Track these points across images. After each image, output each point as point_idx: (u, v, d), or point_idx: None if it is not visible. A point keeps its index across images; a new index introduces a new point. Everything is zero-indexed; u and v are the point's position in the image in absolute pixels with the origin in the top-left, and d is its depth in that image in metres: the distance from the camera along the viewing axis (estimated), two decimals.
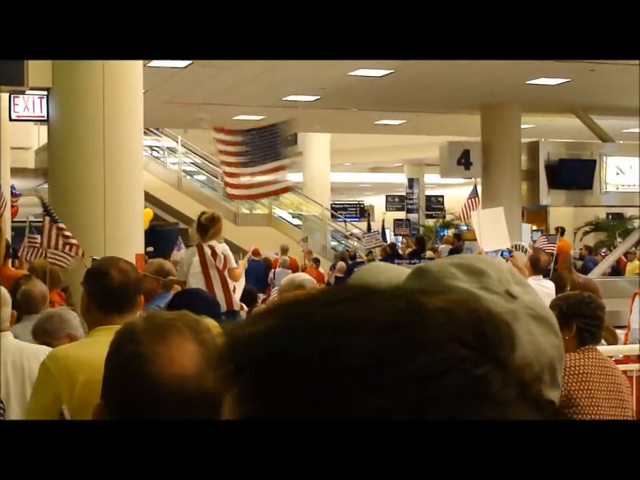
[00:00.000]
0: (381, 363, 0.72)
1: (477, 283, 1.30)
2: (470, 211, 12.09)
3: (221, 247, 7.57)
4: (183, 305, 3.00)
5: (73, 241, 8.52)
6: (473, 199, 12.43)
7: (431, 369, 0.72)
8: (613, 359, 5.80)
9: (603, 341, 8.03)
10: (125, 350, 1.75)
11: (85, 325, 4.37)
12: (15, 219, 18.19)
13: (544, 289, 8.74)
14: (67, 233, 8.57)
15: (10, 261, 10.29)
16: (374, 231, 24.33)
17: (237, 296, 7.93)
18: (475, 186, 13.51)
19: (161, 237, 23.34)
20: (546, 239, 13.01)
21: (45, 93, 11.42)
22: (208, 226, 7.46)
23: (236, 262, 9.07)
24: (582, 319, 4.94)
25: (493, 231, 10.11)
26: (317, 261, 21.09)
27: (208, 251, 7.42)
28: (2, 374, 4.56)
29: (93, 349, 3.13)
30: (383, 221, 30.96)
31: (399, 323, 0.75)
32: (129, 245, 10.46)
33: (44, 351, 4.64)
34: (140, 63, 10.89)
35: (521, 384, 0.76)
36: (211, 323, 2.96)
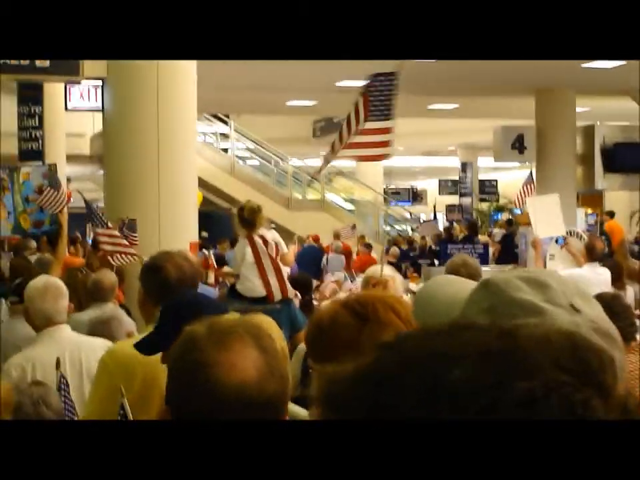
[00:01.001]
0: (477, 390, 0.73)
1: (541, 295, 1.33)
2: (525, 197, 11.99)
3: (271, 235, 7.59)
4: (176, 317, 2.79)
5: (122, 249, 8.46)
6: (528, 185, 12.32)
7: (530, 394, 0.73)
8: None
9: None
10: (187, 357, 1.78)
11: (140, 320, 4.41)
12: (69, 204, 18.42)
13: (599, 277, 8.66)
14: (112, 240, 8.49)
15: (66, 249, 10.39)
16: (431, 220, 24.32)
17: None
18: (531, 172, 13.39)
19: (214, 222, 23.48)
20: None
21: (100, 82, 11.52)
22: (252, 218, 7.48)
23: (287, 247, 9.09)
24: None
25: (548, 217, 10.02)
26: (369, 246, 21.06)
27: (259, 241, 7.44)
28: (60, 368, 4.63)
29: None
30: (435, 206, 30.83)
31: (493, 351, 0.76)
32: (183, 233, 10.52)
33: (101, 345, 4.71)
34: None
35: (625, 411, 0.76)
36: (266, 320, 2.98)
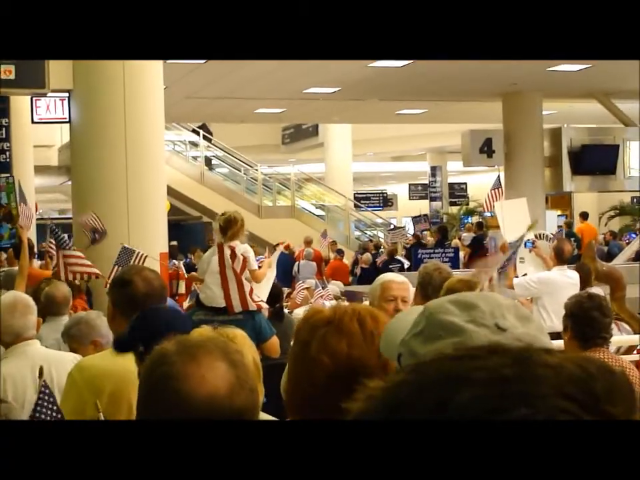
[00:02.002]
0: (480, 413, 0.76)
1: (466, 316, 1.43)
2: (493, 201, 12.07)
3: (242, 248, 7.55)
4: (142, 333, 2.93)
5: (86, 269, 8.43)
6: (496, 190, 12.40)
7: (529, 420, 0.75)
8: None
9: (623, 330, 8.03)
10: (156, 371, 1.79)
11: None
12: (36, 217, 18.38)
13: (569, 280, 8.71)
14: (76, 260, 8.45)
15: (34, 261, 10.35)
16: (401, 227, 24.38)
17: (264, 292, 7.91)
18: (499, 176, 13.47)
19: (185, 231, 23.46)
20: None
21: (67, 94, 11.48)
22: (226, 227, 7.45)
23: (265, 257, 9.06)
24: (573, 319, 4.91)
25: (516, 221, 10.11)
26: (340, 252, 21.09)
27: (227, 252, 7.41)
28: (31, 383, 4.60)
29: (118, 359, 3.17)
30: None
31: (504, 377, 0.78)
32: (153, 243, 10.51)
33: (70, 358, 4.70)
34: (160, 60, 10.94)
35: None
36: (239, 333, 2.99)
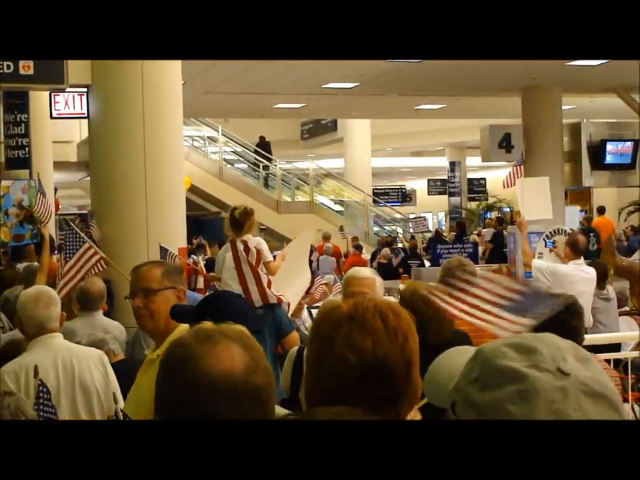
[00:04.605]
0: None
1: (527, 361, 1.36)
2: (515, 178, 11.98)
3: (255, 241, 7.50)
4: (212, 310, 3.07)
5: (94, 259, 8.32)
6: (518, 167, 12.32)
7: None
8: None
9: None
10: (174, 354, 1.85)
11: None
12: (58, 212, 18.45)
13: (584, 275, 8.62)
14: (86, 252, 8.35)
15: (54, 256, 10.38)
16: (421, 216, 24.43)
17: (288, 284, 7.86)
18: (522, 153, 13.38)
19: (204, 226, 23.47)
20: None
21: (85, 90, 11.51)
22: (242, 221, 7.40)
23: (279, 250, 9.02)
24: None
25: (536, 200, 9.98)
26: (359, 248, 21.07)
27: (241, 247, 7.38)
28: (52, 375, 4.63)
29: None
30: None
31: None
32: (172, 237, 10.52)
33: (94, 354, 4.73)
34: None
35: None
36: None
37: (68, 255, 8.15)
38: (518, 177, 12.02)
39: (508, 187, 13.20)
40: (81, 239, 8.32)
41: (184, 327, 3.44)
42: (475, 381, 1.38)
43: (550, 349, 1.37)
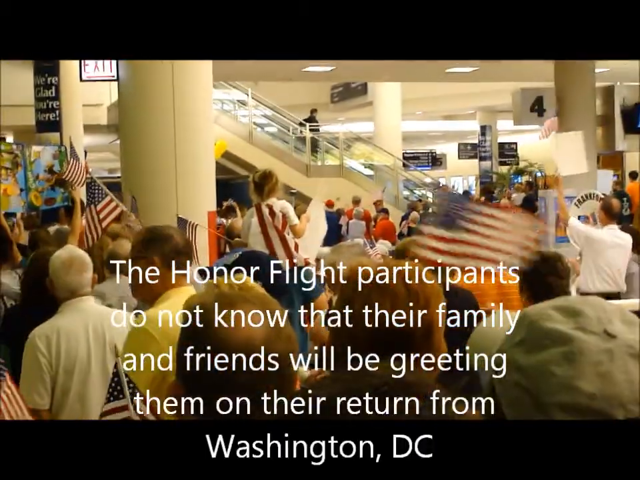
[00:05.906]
0: None
1: (573, 323, 1.35)
2: (550, 130, 11.93)
3: (280, 205, 7.48)
4: (249, 263, 3.14)
5: (113, 215, 8.33)
6: (554, 119, 12.25)
7: None
8: None
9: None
10: (194, 318, 1.83)
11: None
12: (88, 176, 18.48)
13: (618, 240, 8.54)
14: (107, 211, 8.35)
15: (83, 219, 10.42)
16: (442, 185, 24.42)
17: (312, 246, 7.85)
18: (556, 109, 13.30)
19: (234, 190, 23.48)
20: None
21: None
22: (262, 184, 7.37)
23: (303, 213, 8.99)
24: (528, 283, 4.74)
25: (570, 155, 9.91)
26: (385, 211, 21.03)
27: (266, 211, 7.35)
28: (83, 339, 4.65)
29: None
30: None
31: None
32: (201, 202, 10.53)
33: (120, 314, 4.73)
34: None
35: None
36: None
37: (93, 204, 8.22)
38: (554, 130, 11.96)
39: (544, 136, 13.12)
40: (104, 192, 8.37)
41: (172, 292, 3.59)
42: (520, 344, 1.38)
43: (596, 312, 1.36)
